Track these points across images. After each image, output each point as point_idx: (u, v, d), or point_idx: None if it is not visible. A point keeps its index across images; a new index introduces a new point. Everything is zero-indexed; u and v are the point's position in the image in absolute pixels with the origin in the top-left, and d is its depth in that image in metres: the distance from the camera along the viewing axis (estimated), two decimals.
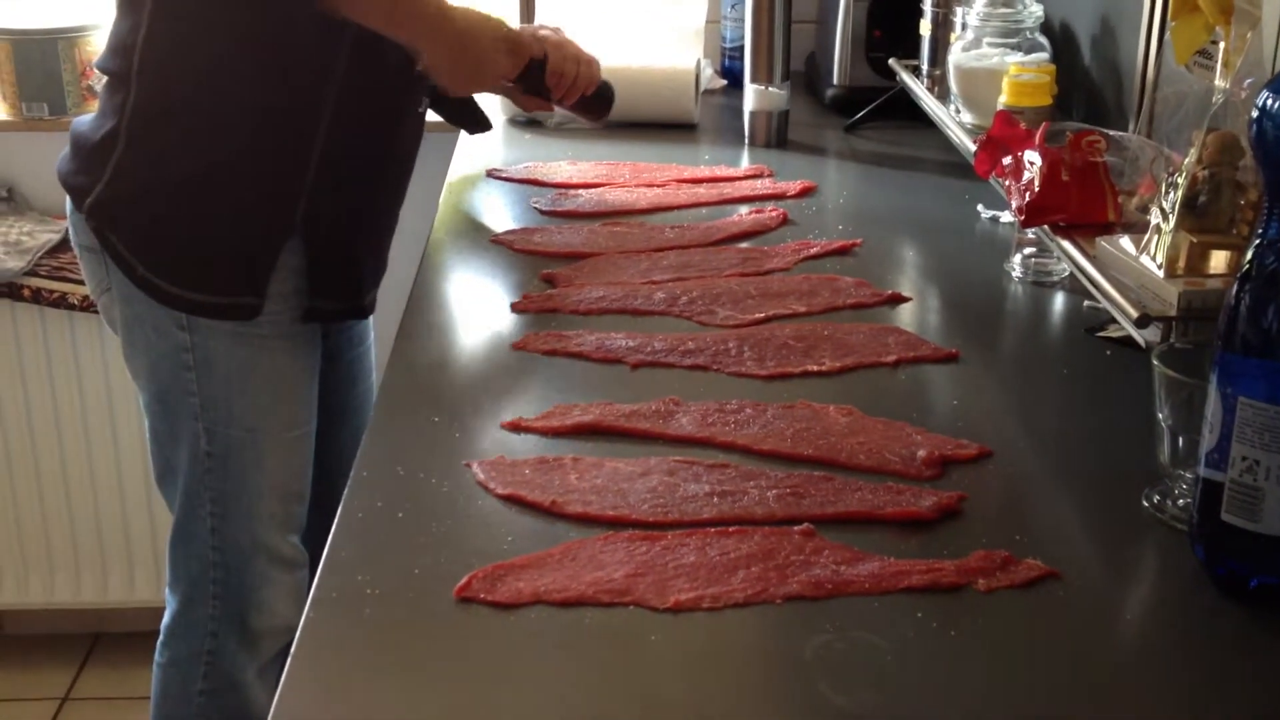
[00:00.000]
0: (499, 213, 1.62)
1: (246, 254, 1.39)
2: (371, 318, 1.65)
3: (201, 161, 1.36)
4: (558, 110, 1.80)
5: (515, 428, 1.09)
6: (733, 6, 2.15)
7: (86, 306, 2.19)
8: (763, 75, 1.85)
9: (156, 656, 1.57)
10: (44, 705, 2.33)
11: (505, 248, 1.49)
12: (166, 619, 1.55)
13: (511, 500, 0.98)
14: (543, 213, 1.60)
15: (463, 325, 1.33)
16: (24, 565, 2.36)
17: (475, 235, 1.54)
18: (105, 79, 1.41)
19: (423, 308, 1.35)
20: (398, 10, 1.36)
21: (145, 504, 2.34)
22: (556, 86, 1.59)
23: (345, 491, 1.00)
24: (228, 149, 1.36)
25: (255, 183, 1.38)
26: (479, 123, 1.69)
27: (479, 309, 1.35)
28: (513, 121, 1.98)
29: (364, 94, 1.38)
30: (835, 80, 2.01)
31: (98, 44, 2.20)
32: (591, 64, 1.62)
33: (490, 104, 1.99)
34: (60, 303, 2.19)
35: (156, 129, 1.36)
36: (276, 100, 1.35)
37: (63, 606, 2.38)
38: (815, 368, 1.20)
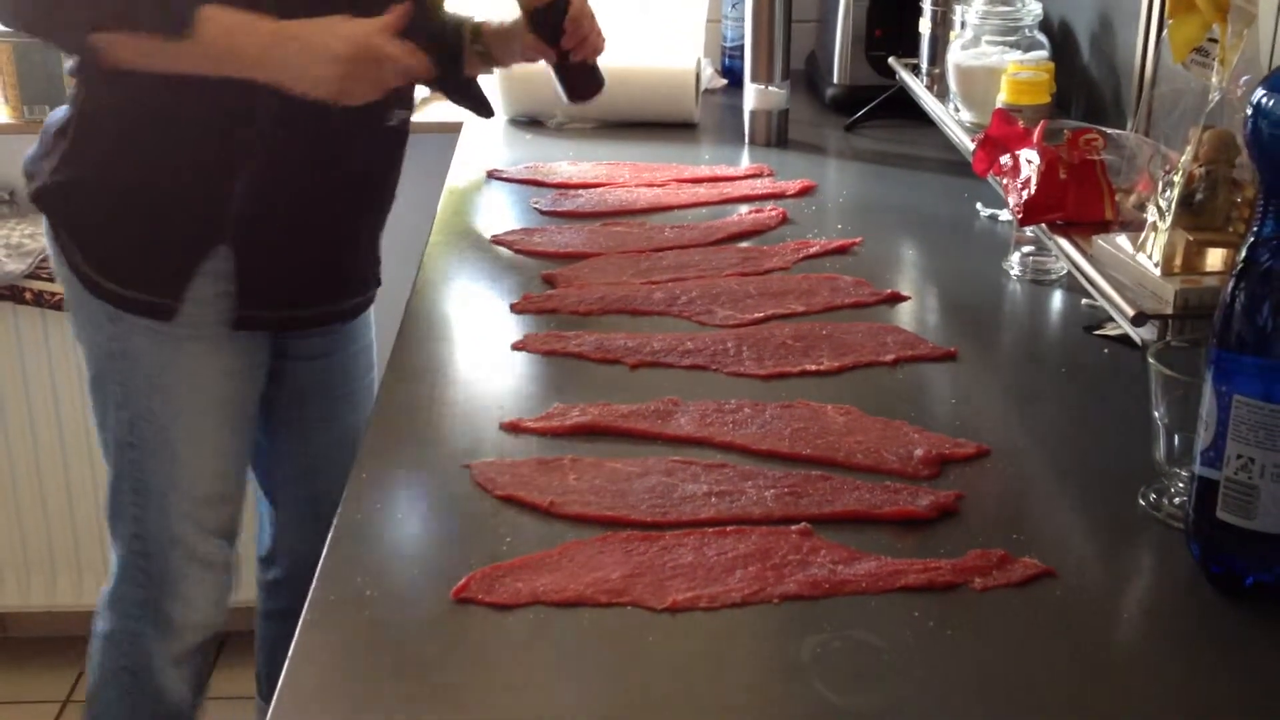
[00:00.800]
0: (499, 213, 1.62)
1: (169, 256, 1.41)
2: (369, 324, 1.65)
3: (134, 162, 1.38)
4: (559, 110, 1.81)
5: (514, 428, 1.09)
6: (733, 6, 2.15)
7: None
8: (763, 74, 1.86)
9: (93, 626, 1.60)
10: (46, 708, 2.33)
11: (505, 248, 1.50)
12: (105, 590, 1.58)
13: (510, 501, 0.98)
14: (543, 213, 1.60)
15: (462, 326, 1.33)
16: (26, 568, 2.37)
17: (475, 236, 1.54)
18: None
19: (423, 308, 1.35)
20: (225, 62, 1.29)
21: None
22: (572, 34, 1.55)
23: (344, 492, 1.01)
24: (159, 153, 1.38)
25: (183, 188, 1.39)
26: (480, 105, 1.68)
27: (479, 309, 1.36)
28: (513, 122, 1.98)
29: (297, 110, 1.33)
30: (835, 79, 2.01)
31: None
32: (602, 34, 1.60)
33: (492, 104, 2.00)
34: (62, 305, 2.20)
35: (100, 127, 1.39)
36: (206, 111, 1.36)
37: (65, 609, 2.39)
38: (814, 367, 1.20)
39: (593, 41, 1.57)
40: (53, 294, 2.20)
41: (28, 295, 2.20)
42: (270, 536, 1.76)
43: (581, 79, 1.61)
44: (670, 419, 1.10)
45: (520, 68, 1.97)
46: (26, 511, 2.33)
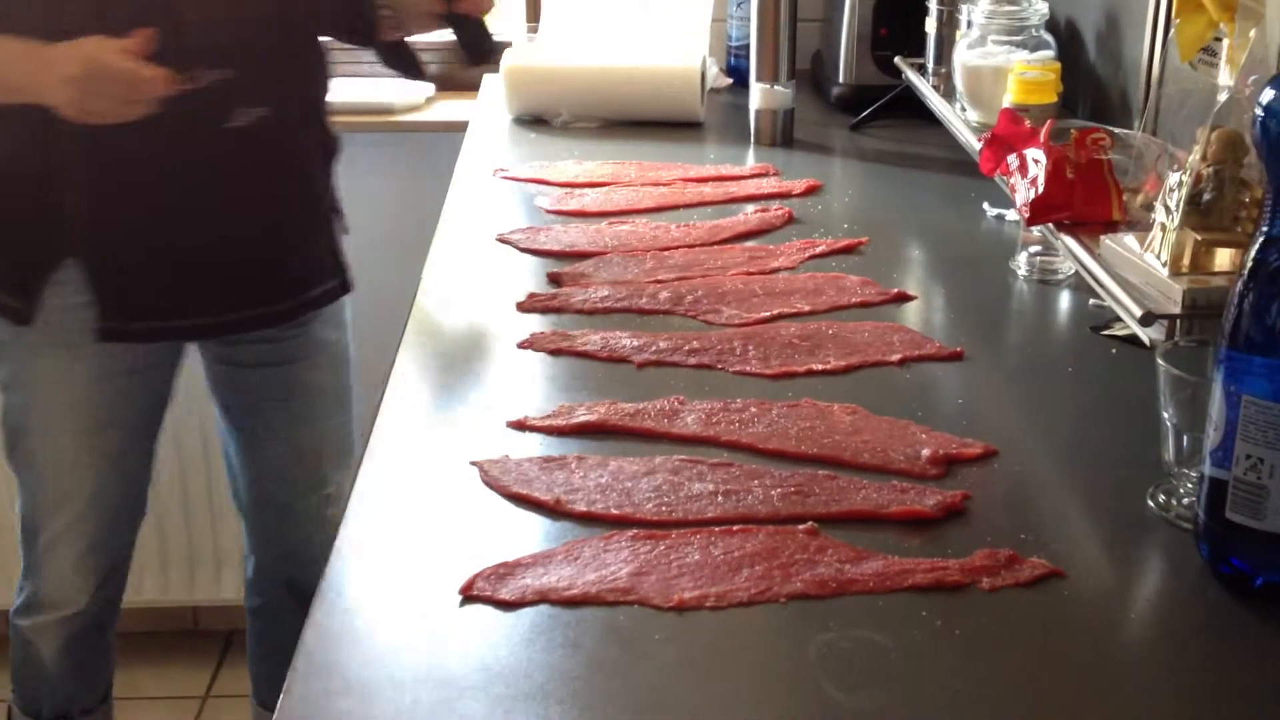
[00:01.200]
0: (505, 212, 1.62)
1: (16, 266, 1.45)
2: (333, 335, 1.64)
3: None
4: (564, 109, 1.80)
5: (520, 427, 1.09)
6: (738, 5, 2.15)
7: None
8: (768, 74, 1.85)
9: None
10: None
11: (511, 247, 1.49)
12: None
13: (516, 499, 0.98)
14: (548, 212, 1.60)
15: (469, 324, 1.33)
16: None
17: (481, 234, 1.54)
18: None
19: (429, 307, 1.35)
20: None
21: (155, 502, 2.34)
22: None
23: (352, 489, 1.01)
24: (5, 157, 1.42)
25: (13, 200, 1.43)
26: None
27: (485, 308, 1.35)
28: (519, 121, 1.98)
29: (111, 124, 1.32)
30: (841, 79, 2.01)
31: None
32: None
33: (498, 101, 2.00)
34: None
35: None
36: (17, 125, 1.38)
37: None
38: (820, 366, 1.20)
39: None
40: None
41: None
42: (244, 537, 1.78)
43: (474, 38, 1.61)
44: (676, 418, 1.09)
45: (526, 68, 1.97)
46: None
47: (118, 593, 1.72)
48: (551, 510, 0.96)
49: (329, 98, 1.62)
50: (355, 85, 2.32)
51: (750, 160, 1.81)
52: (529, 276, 1.42)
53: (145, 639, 2.45)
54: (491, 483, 1.00)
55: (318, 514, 1.67)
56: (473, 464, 1.03)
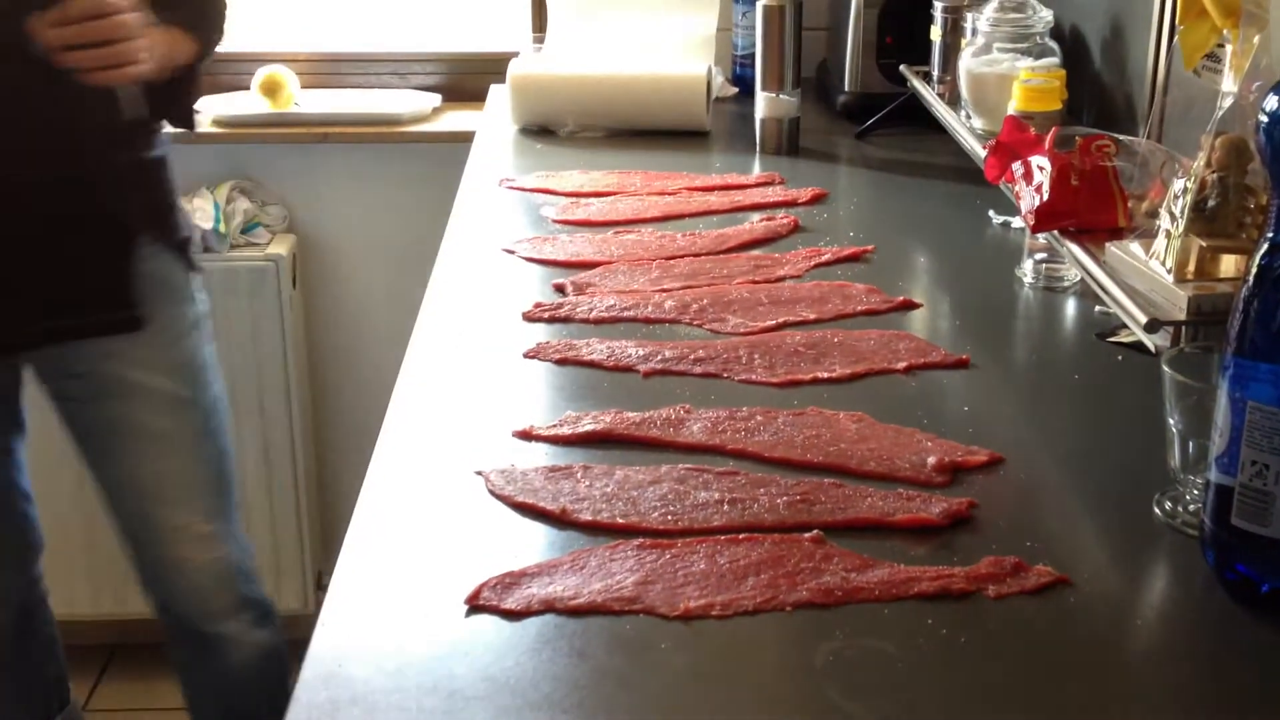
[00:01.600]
0: (510, 222, 1.63)
1: None
2: (170, 370, 1.61)
3: None
4: (570, 119, 1.79)
5: (526, 436, 1.09)
6: (743, 14, 2.15)
7: None
8: (774, 83, 1.86)
9: None
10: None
11: (516, 256, 1.50)
12: None
13: (522, 508, 0.98)
14: (554, 221, 1.61)
15: (475, 334, 1.33)
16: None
17: (487, 244, 1.55)
18: None
19: (435, 316, 1.36)
20: None
21: None
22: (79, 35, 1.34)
23: (359, 498, 1.01)
24: None
25: None
26: (179, 117, 1.60)
27: (491, 318, 1.36)
28: (524, 131, 1.98)
29: None
30: (846, 87, 2.01)
31: None
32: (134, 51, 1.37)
33: (503, 111, 2.00)
34: None
35: None
36: None
37: (81, 618, 2.39)
38: (826, 375, 1.20)
39: (114, 55, 1.35)
40: None
41: None
42: None
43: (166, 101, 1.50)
44: (682, 427, 1.10)
45: (532, 78, 1.98)
46: (41, 520, 2.34)
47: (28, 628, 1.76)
48: (557, 520, 0.96)
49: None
50: (362, 96, 2.33)
51: (756, 169, 1.82)
52: (535, 286, 1.42)
53: (157, 650, 2.45)
54: (497, 492, 1.00)
55: (156, 549, 1.68)
56: (478, 474, 1.03)
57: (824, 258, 1.47)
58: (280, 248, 2.27)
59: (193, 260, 1.64)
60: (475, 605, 0.87)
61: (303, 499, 2.36)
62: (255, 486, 2.33)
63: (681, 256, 1.48)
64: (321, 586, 2.47)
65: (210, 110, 2.24)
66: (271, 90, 2.25)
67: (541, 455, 1.06)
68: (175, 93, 1.55)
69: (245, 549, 1.76)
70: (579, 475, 1.01)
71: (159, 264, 1.58)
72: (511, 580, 0.88)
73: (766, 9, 1.83)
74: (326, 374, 2.43)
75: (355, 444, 2.45)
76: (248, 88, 2.27)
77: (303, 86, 2.29)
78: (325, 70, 2.37)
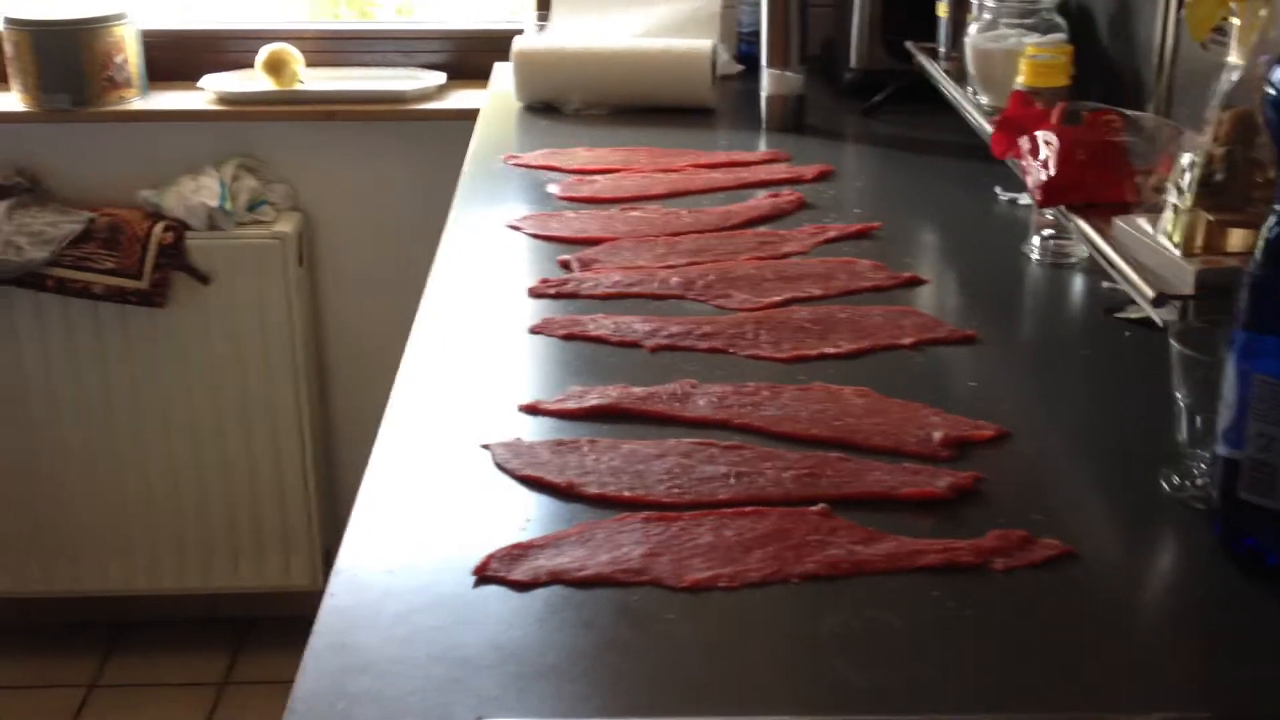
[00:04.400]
0: (515, 198, 1.62)
1: None
2: None
3: None
4: (574, 96, 1.79)
5: (533, 410, 1.09)
6: None
7: (109, 296, 2.21)
8: (779, 59, 1.85)
9: None
10: (70, 692, 2.35)
11: (522, 233, 1.50)
12: None
13: (529, 481, 0.98)
14: (559, 198, 1.60)
15: (480, 310, 1.33)
16: (48, 553, 2.38)
17: (492, 221, 1.55)
18: None
19: (440, 293, 1.36)
20: None
21: (171, 490, 2.36)
22: None
23: (365, 472, 1.01)
24: None
25: None
26: None
27: (496, 294, 1.36)
28: (529, 108, 1.98)
29: None
30: (852, 63, 2.00)
31: (119, 36, 2.22)
32: None
33: (508, 88, 2.00)
34: (83, 292, 2.21)
35: None
36: None
37: (87, 594, 2.40)
38: (832, 350, 1.20)
39: None
40: (75, 281, 2.21)
41: (49, 283, 2.21)
42: None
43: None
44: (688, 401, 1.10)
45: (536, 54, 1.97)
46: (46, 498, 2.35)
47: None
48: (564, 493, 0.96)
49: None
50: (366, 75, 2.33)
51: (761, 146, 1.81)
52: (540, 262, 1.42)
53: (164, 627, 2.47)
54: (504, 465, 1.00)
55: None
56: (484, 447, 1.03)
57: (830, 234, 1.47)
58: (286, 225, 2.27)
59: None
60: (483, 576, 0.87)
61: (310, 476, 2.36)
62: (263, 463, 2.34)
63: (687, 233, 1.48)
64: (330, 563, 2.47)
65: (215, 87, 2.24)
66: (276, 68, 2.24)
67: (547, 429, 1.07)
68: None
69: None
70: (585, 449, 1.01)
71: None
72: (519, 552, 0.89)
73: None
74: (332, 351, 2.44)
75: (361, 420, 2.44)
76: (252, 65, 2.26)
77: (307, 65, 2.28)
78: (330, 48, 2.36)
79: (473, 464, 1.02)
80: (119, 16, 2.23)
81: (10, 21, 2.20)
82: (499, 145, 1.82)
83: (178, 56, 2.32)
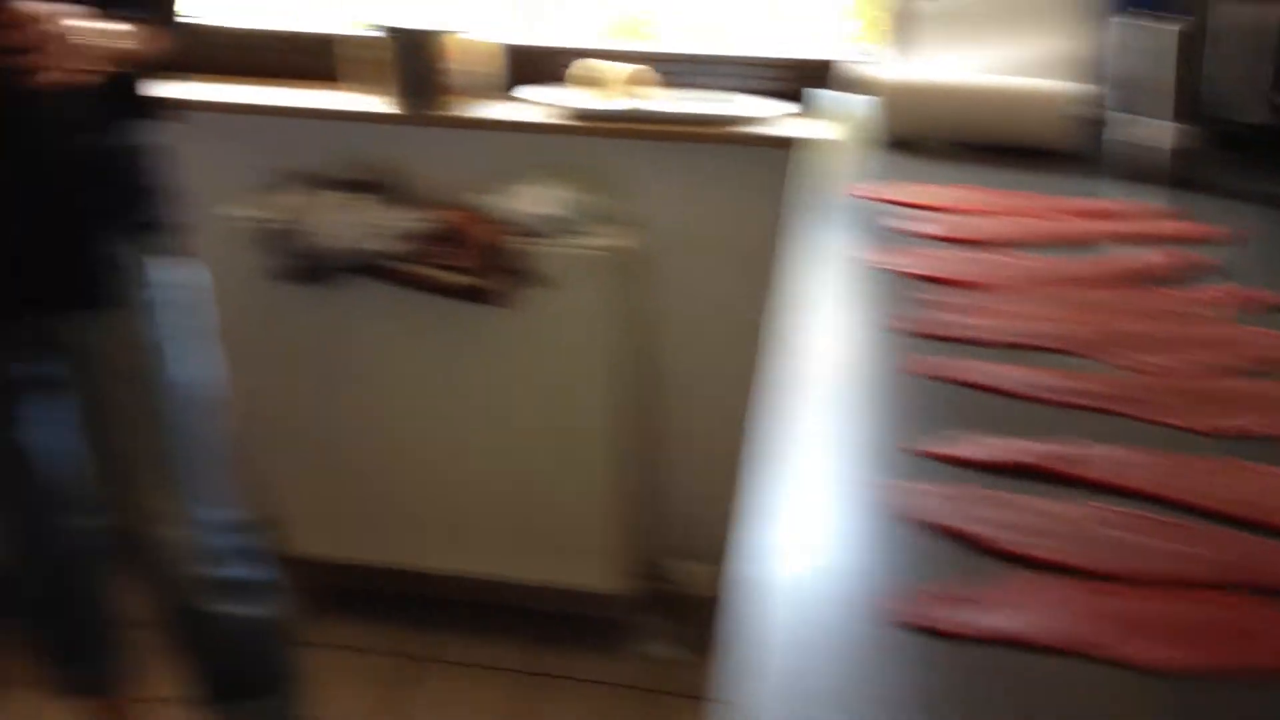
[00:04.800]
0: (861, 231, 1.58)
1: None
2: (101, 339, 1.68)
3: None
4: (933, 132, 1.73)
5: (925, 455, 1.05)
6: (1128, 32, 2.04)
7: (448, 291, 2.30)
8: (1162, 109, 1.75)
9: None
10: (380, 660, 2.43)
11: (874, 268, 1.44)
12: None
13: (936, 530, 0.94)
14: (917, 236, 1.55)
15: (839, 346, 1.29)
16: (371, 525, 2.49)
17: (839, 255, 1.50)
18: None
19: (790, 322, 1.32)
20: None
21: (490, 481, 2.43)
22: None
23: (735, 508, 0.99)
24: None
25: None
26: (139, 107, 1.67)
27: (855, 330, 1.31)
28: (874, 140, 1.94)
29: None
30: (1243, 115, 1.87)
31: (475, 46, 2.31)
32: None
33: (864, 118, 1.96)
34: (424, 286, 2.31)
35: None
36: None
37: (402, 567, 2.51)
38: (1253, 426, 1.10)
39: (29, 61, 1.42)
40: (418, 275, 2.31)
41: (394, 275, 2.32)
42: None
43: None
44: (1091, 462, 1.03)
45: (906, 88, 1.93)
46: (373, 473, 2.46)
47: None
48: (981, 546, 0.91)
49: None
50: (701, 97, 2.35)
51: (1143, 199, 1.71)
52: (896, 298, 1.36)
53: (468, 609, 2.54)
54: (905, 509, 0.96)
55: (125, 520, 1.78)
56: (880, 489, 0.99)
57: (1238, 300, 1.36)
58: (620, 239, 2.31)
59: (166, 245, 1.69)
60: (903, 623, 0.83)
61: (624, 484, 2.39)
62: (580, 466, 2.38)
63: (1072, 283, 1.40)
64: (651, 574, 2.50)
65: (553, 101, 2.30)
66: (610, 85, 2.29)
67: (937, 476, 1.02)
68: (131, 84, 1.64)
69: (222, 530, 1.81)
70: (999, 501, 0.96)
71: (126, 247, 1.65)
72: (947, 600, 0.84)
73: (1157, 31, 1.72)
74: (657, 364, 2.46)
75: (679, 435, 2.47)
76: (587, 82, 2.31)
77: (644, 84, 2.32)
78: (666, 70, 2.40)
79: (861, 506, 0.98)
80: (476, 27, 2.33)
81: (376, 28, 2.33)
82: (847, 176, 1.78)
83: (529, 69, 2.40)
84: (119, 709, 2.11)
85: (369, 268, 2.29)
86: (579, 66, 2.28)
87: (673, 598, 2.55)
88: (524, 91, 2.30)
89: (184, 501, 1.76)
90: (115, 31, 1.55)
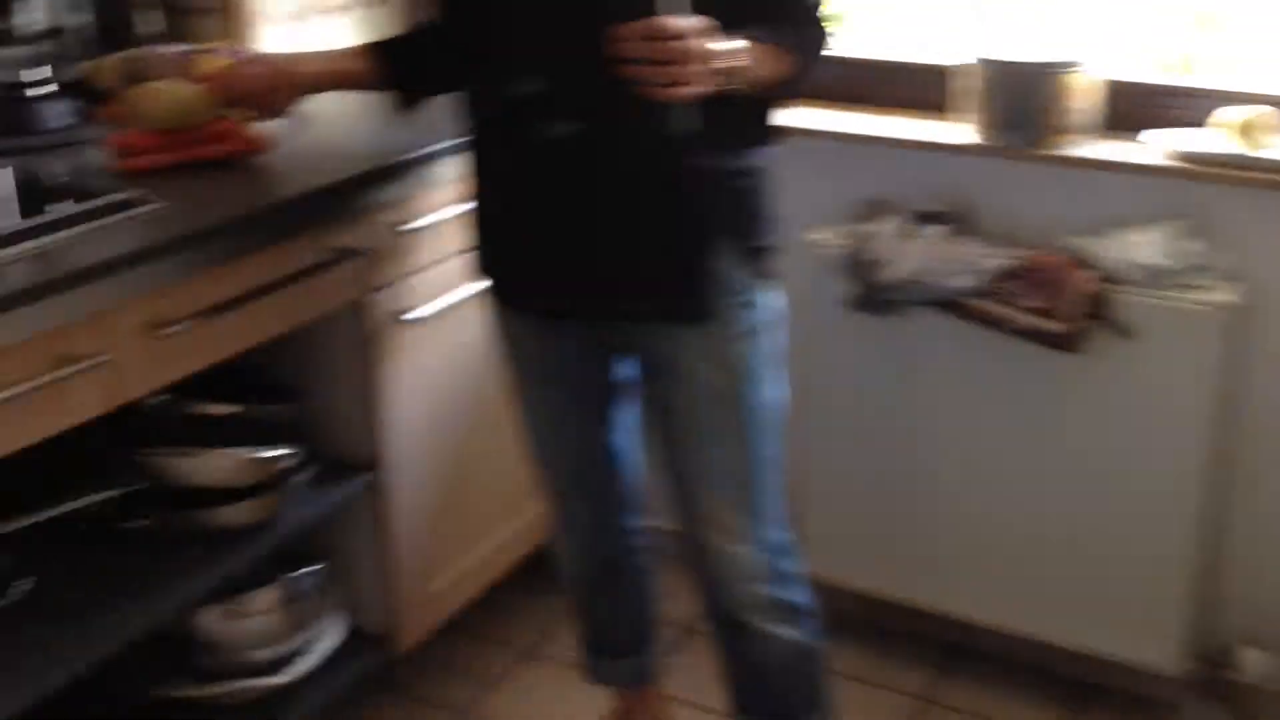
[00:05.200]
0: None
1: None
2: (716, 365, 1.73)
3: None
4: None
5: None
6: None
7: (1025, 333, 2.24)
8: None
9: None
10: (899, 699, 2.42)
11: None
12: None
13: None
14: None
15: None
16: (903, 560, 2.48)
17: None
18: None
19: None
20: None
21: (1038, 533, 2.34)
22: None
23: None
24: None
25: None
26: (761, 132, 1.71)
27: None
28: None
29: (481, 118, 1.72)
30: None
31: (1076, 82, 2.23)
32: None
33: None
34: (1000, 326, 2.26)
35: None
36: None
37: (928, 608, 2.47)
38: None
39: (667, 74, 1.46)
40: (995, 314, 2.26)
41: (970, 311, 2.28)
42: None
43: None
44: None
45: None
46: (912, 507, 2.42)
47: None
48: None
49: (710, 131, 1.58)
50: None
51: None
52: None
53: (993, 663, 2.47)
54: None
55: (688, 530, 1.84)
56: None
57: None
58: (1224, 295, 2.16)
59: (764, 268, 1.72)
60: None
61: (1193, 556, 2.23)
62: (1145, 529, 2.24)
63: None
64: (1209, 657, 2.33)
65: (1169, 144, 2.17)
66: (1246, 131, 2.13)
67: None
68: (761, 108, 1.68)
69: (777, 551, 1.83)
70: None
71: (729, 266, 1.67)
72: None
73: None
74: (1244, 432, 2.27)
75: (1260, 514, 2.28)
76: (1201, 124, 2.16)
77: (1264, 130, 2.14)
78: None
79: None
80: (1077, 63, 2.25)
81: (977, 60, 2.30)
82: None
83: (1124, 108, 2.29)
84: (644, 702, 2.20)
85: (944, 303, 2.27)
86: (1240, 113, 2.12)
87: (1232, 685, 2.35)
88: (1155, 135, 2.19)
89: (749, 520, 1.79)
90: (745, 51, 1.56)
